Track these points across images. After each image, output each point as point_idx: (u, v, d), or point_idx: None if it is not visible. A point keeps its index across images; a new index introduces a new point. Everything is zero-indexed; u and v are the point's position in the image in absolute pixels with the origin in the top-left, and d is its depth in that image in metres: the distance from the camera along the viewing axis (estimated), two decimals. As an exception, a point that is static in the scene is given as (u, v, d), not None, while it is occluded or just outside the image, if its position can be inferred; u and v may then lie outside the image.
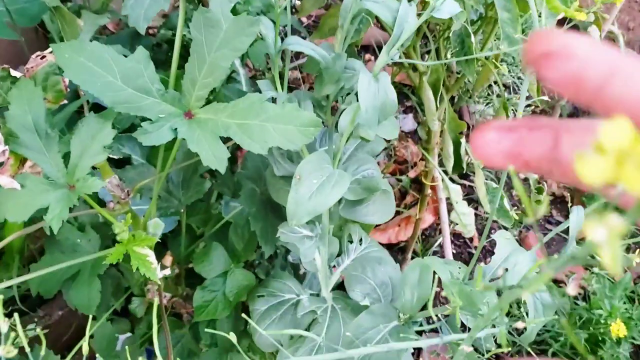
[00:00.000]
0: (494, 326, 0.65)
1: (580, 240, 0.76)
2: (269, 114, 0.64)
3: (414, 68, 0.94)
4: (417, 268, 0.71)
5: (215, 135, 0.64)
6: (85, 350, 0.56)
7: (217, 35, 0.64)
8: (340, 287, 0.89)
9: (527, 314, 0.69)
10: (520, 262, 0.69)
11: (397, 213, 1.62)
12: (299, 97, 0.76)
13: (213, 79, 0.65)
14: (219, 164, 0.63)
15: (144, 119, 0.65)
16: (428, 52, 0.99)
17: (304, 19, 1.56)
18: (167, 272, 0.78)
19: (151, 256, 0.70)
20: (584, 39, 0.23)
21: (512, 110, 0.96)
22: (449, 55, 0.89)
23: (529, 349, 0.79)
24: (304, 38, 0.82)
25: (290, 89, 1.31)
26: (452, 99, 1.01)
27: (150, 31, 1.29)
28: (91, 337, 0.87)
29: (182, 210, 0.83)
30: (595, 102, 0.22)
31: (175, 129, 0.64)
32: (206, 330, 0.76)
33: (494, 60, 0.86)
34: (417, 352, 1.30)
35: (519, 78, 1.49)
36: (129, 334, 0.96)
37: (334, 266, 0.91)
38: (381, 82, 0.67)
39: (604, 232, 0.18)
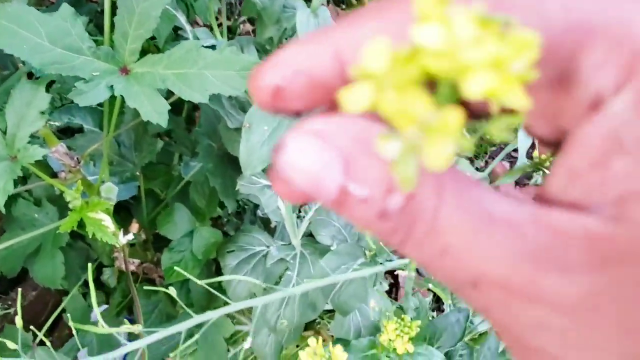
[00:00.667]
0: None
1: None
2: (206, 60, 0.62)
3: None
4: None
5: (153, 89, 0.62)
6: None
7: (142, -17, 0.61)
8: (311, 235, 0.88)
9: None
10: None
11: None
12: (241, 43, 0.74)
13: (144, 30, 0.63)
14: (160, 118, 0.61)
15: (78, 79, 0.62)
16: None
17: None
18: (130, 237, 0.77)
19: (107, 221, 0.69)
20: (292, 50, 0.21)
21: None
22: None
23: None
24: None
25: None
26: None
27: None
28: (65, 312, 0.86)
29: (139, 173, 0.82)
30: None
31: (112, 86, 0.62)
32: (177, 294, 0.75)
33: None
34: (395, 290, 1.31)
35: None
36: (105, 306, 0.96)
37: (304, 216, 0.90)
38: (321, 17, 0.65)
39: (397, 148, 0.18)
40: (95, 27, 0.89)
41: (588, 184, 0.19)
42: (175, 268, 0.74)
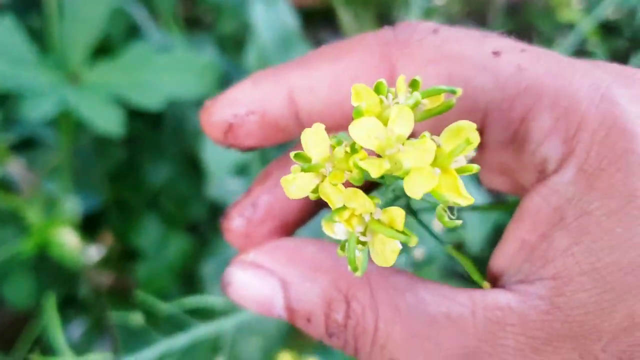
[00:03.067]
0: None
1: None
2: (158, 64, 0.59)
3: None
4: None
5: (105, 98, 0.59)
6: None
7: (84, -15, 0.57)
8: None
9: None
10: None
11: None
12: (201, 39, 0.70)
13: (91, 35, 0.59)
14: (116, 127, 0.58)
15: (28, 92, 0.59)
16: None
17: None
18: (101, 251, 0.74)
19: (72, 238, 0.66)
20: (246, 89, 0.23)
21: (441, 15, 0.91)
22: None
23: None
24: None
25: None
26: (380, 15, 0.95)
27: None
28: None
29: (106, 184, 0.78)
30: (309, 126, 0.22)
31: (63, 97, 0.59)
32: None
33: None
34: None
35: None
36: (82, 322, 0.93)
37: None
38: (278, 8, 0.62)
39: (344, 230, 0.19)
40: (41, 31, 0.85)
41: (534, 257, 0.19)
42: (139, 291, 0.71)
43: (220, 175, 0.65)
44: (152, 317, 0.82)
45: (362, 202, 0.18)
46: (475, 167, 0.18)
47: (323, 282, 0.20)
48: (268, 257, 0.21)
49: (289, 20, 0.61)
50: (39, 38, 0.73)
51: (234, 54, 0.73)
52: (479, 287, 0.21)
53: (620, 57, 0.94)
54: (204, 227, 0.92)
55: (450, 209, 0.18)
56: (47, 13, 0.62)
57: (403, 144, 0.17)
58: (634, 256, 0.18)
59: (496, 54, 0.21)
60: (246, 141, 0.23)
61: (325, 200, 0.18)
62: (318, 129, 0.18)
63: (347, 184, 0.18)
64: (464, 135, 0.18)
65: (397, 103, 0.18)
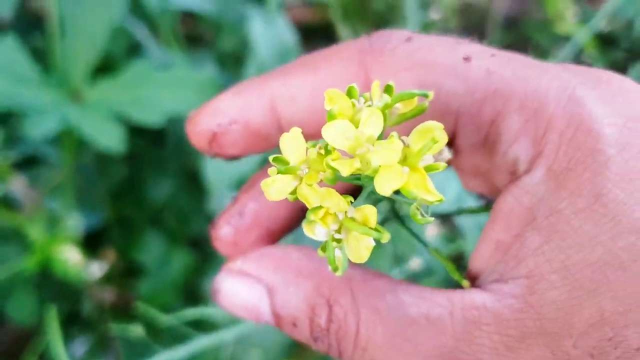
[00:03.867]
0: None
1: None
2: (159, 81, 0.60)
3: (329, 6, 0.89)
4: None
5: (106, 115, 0.59)
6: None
7: (85, 4, 0.58)
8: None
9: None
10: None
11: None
12: (201, 56, 0.71)
13: (93, 53, 0.60)
14: (117, 143, 0.59)
15: (30, 110, 0.60)
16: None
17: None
18: (103, 268, 0.74)
19: (75, 255, 0.66)
20: (228, 99, 0.24)
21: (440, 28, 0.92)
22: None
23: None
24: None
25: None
26: (377, 28, 0.96)
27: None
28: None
29: (108, 201, 0.79)
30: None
31: (65, 115, 0.59)
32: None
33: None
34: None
35: None
36: (84, 339, 0.93)
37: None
38: (276, 25, 0.63)
39: (324, 232, 0.19)
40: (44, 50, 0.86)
41: (507, 256, 0.20)
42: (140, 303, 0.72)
43: (221, 190, 0.65)
44: (154, 330, 0.82)
45: (336, 201, 0.18)
46: (441, 165, 0.18)
47: (306, 287, 0.21)
48: (254, 265, 0.21)
49: (288, 36, 0.62)
50: (42, 57, 0.74)
51: (233, 70, 0.74)
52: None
53: (619, 68, 0.95)
54: (205, 242, 0.92)
55: (424, 207, 0.19)
56: (49, 32, 0.63)
57: (373, 145, 0.18)
58: (601, 253, 0.18)
59: (467, 59, 0.21)
60: (230, 150, 0.24)
61: (303, 200, 0.19)
62: (295, 133, 0.19)
63: (324, 185, 0.19)
64: (430, 134, 0.18)
65: (369, 106, 0.19)
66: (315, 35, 1.13)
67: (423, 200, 0.18)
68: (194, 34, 0.85)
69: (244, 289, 0.21)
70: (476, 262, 0.21)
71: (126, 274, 0.89)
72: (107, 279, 0.88)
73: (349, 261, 0.19)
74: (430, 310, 0.20)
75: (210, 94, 0.60)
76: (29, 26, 0.95)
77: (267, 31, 0.61)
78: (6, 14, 0.60)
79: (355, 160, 0.18)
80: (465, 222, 0.46)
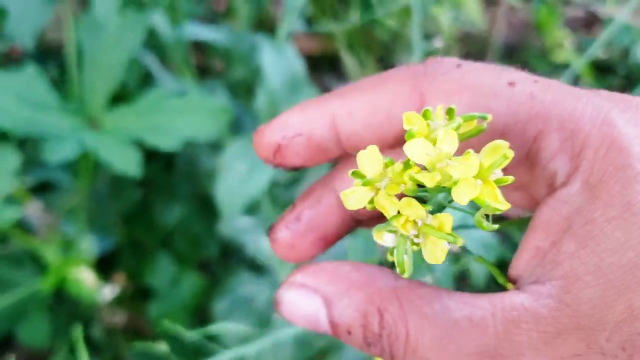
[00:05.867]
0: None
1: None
2: (174, 108, 0.62)
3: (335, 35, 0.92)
4: (361, 238, 0.70)
5: (123, 141, 0.62)
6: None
7: (104, 37, 0.61)
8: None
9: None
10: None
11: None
12: (212, 86, 0.74)
13: (110, 83, 0.63)
14: (134, 169, 0.61)
15: (49, 136, 0.62)
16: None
17: (221, 8, 1.53)
18: (115, 290, 0.76)
19: (88, 276, 0.68)
20: (294, 115, 0.26)
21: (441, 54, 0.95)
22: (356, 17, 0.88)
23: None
24: (217, 23, 0.79)
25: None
26: (381, 58, 0.99)
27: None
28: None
29: (118, 224, 0.81)
30: (351, 149, 0.26)
31: (82, 141, 0.62)
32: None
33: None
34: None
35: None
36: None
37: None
38: (286, 55, 0.65)
39: (392, 238, 0.22)
40: (64, 75, 0.89)
41: (545, 261, 0.22)
42: (164, 320, 0.73)
43: (233, 214, 0.67)
44: (171, 347, 0.84)
45: (416, 210, 0.21)
46: (510, 178, 0.21)
47: (358, 297, 0.23)
48: (311, 278, 0.23)
49: (297, 66, 0.65)
50: (57, 86, 0.77)
51: (243, 98, 0.77)
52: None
53: (616, 94, 0.97)
54: (215, 265, 0.94)
55: (486, 217, 0.21)
56: (68, 63, 0.65)
57: (450, 160, 0.21)
58: (632, 256, 0.21)
59: (511, 84, 0.24)
60: (292, 160, 0.26)
61: (380, 209, 0.21)
62: (372, 150, 0.22)
63: (398, 196, 0.22)
64: (500, 152, 0.21)
65: (443, 126, 0.22)
66: (321, 64, 1.16)
67: (492, 209, 0.21)
68: (204, 65, 0.88)
69: (303, 300, 0.23)
70: (516, 268, 0.23)
71: (136, 296, 0.91)
72: (118, 301, 0.89)
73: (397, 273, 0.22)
74: (473, 313, 0.22)
75: (224, 120, 0.63)
76: (44, 57, 0.98)
77: (277, 61, 0.64)
78: (29, 45, 0.63)
79: (436, 174, 0.20)
80: (470, 243, 0.48)
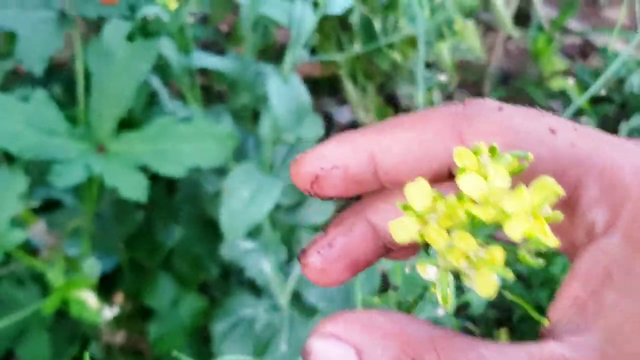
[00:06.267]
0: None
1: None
2: (181, 134, 0.63)
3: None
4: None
5: (129, 166, 0.63)
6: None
7: (114, 64, 0.62)
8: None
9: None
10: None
11: (344, 207, 1.61)
12: (217, 111, 0.75)
13: (119, 110, 0.64)
14: (139, 194, 0.62)
15: (57, 161, 0.63)
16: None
17: (224, 27, 1.54)
18: (115, 311, 0.77)
19: (90, 297, 0.69)
20: (330, 147, 0.26)
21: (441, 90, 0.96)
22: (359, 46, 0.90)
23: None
24: (222, 47, 0.81)
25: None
26: (382, 85, 1.01)
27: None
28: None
29: (121, 245, 0.82)
30: (387, 182, 0.26)
31: (89, 166, 0.63)
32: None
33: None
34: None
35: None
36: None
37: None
38: (291, 84, 0.67)
39: (434, 271, 0.22)
40: (69, 94, 0.90)
41: (585, 310, 0.22)
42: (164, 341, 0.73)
43: (236, 237, 0.68)
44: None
45: (469, 242, 0.21)
46: (560, 216, 0.22)
47: (393, 347, 0.22)
48: (343, 328, 0.23)
49: (302, 94, 0.66)
50: (62, 106, 0.78)
51: (247, 123, 0.78)
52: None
53: (610, 123, 1.00)
54: (215, 286, 0.94)
55: (530, 252, 0.22)
56: (77, 89, 0.66)
57: (503, 194, 0.21)
58: None
59: (552, 131, 0.24)
60: (329, 191, 0.26)
61: (429, 242, 0.21)
62: (422, 183, 0.22)
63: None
64: (548, 189, 0.22)
65: (493, 163, 0.22)
66: (321, 86, 1.17)
67: (541, 245, 0.21)
68: (207, 83, 0.89)
69: (334, 351, 0.23)
70: (553, 315, 0.23)
71: (136, 316, 0.91)
72: (117, 321, 0.90)
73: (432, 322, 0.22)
74: None
75: (230, 146, 0.64)
76: (49, 75, 0.99)
77: (283, 89, 0.65)
78: (38, 71, 0.64)
79: (490, 208, 0.21)
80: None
